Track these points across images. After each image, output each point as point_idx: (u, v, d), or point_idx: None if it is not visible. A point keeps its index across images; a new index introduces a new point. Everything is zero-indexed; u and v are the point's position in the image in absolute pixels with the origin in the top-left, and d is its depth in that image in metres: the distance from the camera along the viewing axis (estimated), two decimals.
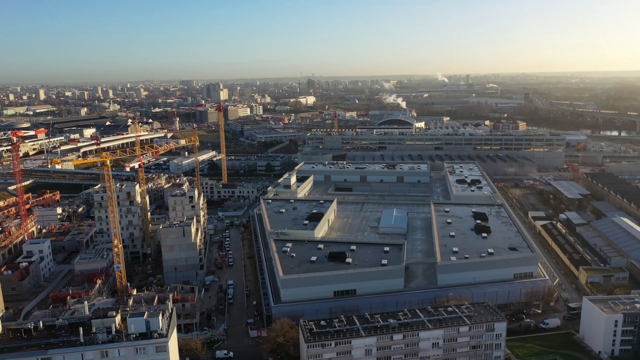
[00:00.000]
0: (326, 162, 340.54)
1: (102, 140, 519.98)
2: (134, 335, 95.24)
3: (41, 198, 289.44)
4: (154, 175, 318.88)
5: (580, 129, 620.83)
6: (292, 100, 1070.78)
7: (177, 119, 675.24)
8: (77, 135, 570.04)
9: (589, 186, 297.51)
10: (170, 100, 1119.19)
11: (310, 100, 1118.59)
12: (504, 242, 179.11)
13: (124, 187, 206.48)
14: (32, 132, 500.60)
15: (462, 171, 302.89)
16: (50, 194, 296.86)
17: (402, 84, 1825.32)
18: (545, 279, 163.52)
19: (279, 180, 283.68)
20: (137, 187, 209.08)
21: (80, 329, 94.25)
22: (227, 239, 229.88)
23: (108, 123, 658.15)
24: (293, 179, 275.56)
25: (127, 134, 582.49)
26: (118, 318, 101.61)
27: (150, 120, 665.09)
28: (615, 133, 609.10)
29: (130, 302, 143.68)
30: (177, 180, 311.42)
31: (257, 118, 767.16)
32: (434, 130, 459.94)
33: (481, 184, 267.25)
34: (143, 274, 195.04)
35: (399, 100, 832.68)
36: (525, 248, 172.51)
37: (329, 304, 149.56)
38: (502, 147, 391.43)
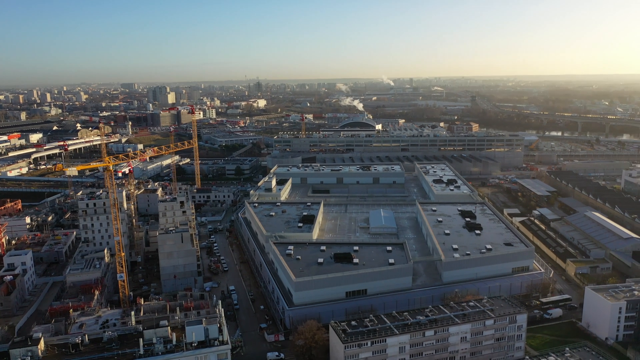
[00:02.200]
0: (300, 165, 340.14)
1: (49, 145, 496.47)
2: (194, 344, 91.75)
3: (2, 207, 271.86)
4: (123, 182, 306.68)
5: (527, 130, 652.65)
6: (243, 103, 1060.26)
7: (130, 123, 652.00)
8: (23, 141, 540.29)
9: (553, 183, 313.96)
10: (115, 104, 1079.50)
11: (261, 103, 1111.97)
12: (497, 238, 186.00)
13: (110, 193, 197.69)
14: None
15: (435, 171, 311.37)
16: (12, 203, 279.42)
17: (349, 87, 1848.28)
18: (541, 272, 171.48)
19: (259, 184, 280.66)
20: (124, 193, 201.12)
21: (141, 340, 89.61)
22: (215, 244, 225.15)
23: (55, 128, 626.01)
24: (273, 182, 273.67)
25: (77, 138, 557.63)
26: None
27: (100, 125, 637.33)
28: (558, 133, 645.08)
29: (142, 312, 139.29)
30: (149, 186, 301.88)
31: (211, 122, 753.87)
32: (399, 132, 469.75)
33: (458, 183, 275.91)
34: (135, 283, 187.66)
35: (355, 102, 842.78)
36: (519, 243, 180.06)
37: (344, 305, 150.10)
38: (464, 147, 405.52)
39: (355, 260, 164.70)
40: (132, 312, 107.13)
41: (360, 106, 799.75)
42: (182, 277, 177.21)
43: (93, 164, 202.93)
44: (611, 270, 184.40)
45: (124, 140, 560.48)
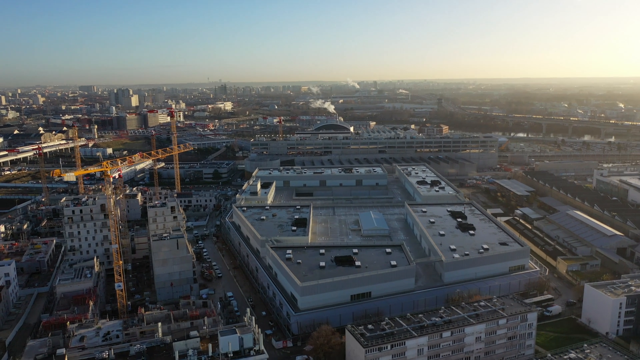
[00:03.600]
0: (281, 168, 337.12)
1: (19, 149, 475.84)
2: (230, 355, 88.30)
3: None
4: (100, 187, 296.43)
5: (493, 132, 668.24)
6: (210, 106, 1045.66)
7: (96, 126, 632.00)
8: None
9: (530, 183, 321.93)
10: (76, 107, 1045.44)
11: (228, 106, 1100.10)
12: (491, 238, 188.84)
13: (97, 199, 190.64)
14: None
15: (417, 173, 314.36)
16: None
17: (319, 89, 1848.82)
18: (537, 270, 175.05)
19: (243, 187, 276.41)
20: (111, 199, 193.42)
21: (177, 353, 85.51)
22: (205, 250, 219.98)
23: (16, 132, 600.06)
24: (259, 186, 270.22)
25: (41, 142, 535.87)
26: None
27: (65, 128, 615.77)
28: (524, 134, 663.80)
29: (145, 322, 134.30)
30: (127, 191, 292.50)
31: (179, 125, 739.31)
32: (376, 134, 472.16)
33: (442, 184, 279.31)
34: (126, 292, 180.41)
35: (326, 105, 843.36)
36: (514, 242, 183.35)
37: (351, 308, 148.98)
38: (440, 149, 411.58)
39: (358, 263, 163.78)
40: (159, 324, 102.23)
41: (331, 108, 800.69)
42: (177, 285, 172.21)
43: (92, 169, 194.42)
44: (599, 267, 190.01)
45: (91, 144, 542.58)
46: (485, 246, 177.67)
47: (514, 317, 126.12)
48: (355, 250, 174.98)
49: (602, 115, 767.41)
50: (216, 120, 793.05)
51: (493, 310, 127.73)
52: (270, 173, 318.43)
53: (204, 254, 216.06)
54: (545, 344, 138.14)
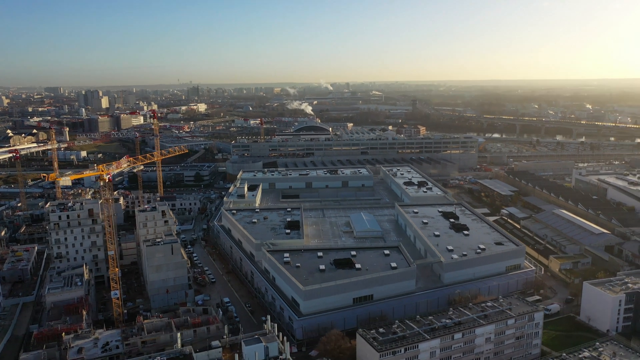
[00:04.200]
0: (265, 170, 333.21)
1: None
2: None
3: None
4: (80, 190, 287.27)
5: (468, 132, 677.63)
6: (184, 108, 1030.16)
7: (67, 128, 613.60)
8: None
9: (512, 183, 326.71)
10: (43, 109, 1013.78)
11: (202, 107, 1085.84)
12: (486, 238, 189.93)
13: (84, 204, 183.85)
14: None
15: (402, 174, 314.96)
16: None
17: (286, 91, 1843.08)
18: (533, 269, 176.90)
19: (230, 190, 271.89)
20: (98, 204, 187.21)
21: None
22: (195, 255, 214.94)
23: None
24: (246, 189, 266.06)
25: (10, 145, 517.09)
26: None
27: (34, 131, 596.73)
28: (498, 135, 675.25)
29: (145, 331, 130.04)
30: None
31: (153, 127, 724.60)
32: (358, 135, 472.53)
33: (429, 185, 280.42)
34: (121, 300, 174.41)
35: (304, 106, 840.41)
36: (509, 242, 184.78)
37: (354, 312, 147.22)
38: (422, 150, 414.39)
39: (358, 266, 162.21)
40: (179, 334, 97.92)
41: (309, 109, 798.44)
42: (172, 291, 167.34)
43: (87, 173, 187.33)
44: (590, 265, 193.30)
45: (63, 147, 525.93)
46: (481, 246, 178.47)
47: (521, 316, 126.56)
48: (353, 253, 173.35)
49: (573, 116, 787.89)
50: (191, 122, 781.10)
51: (501, 311, 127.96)
52: (255, 175, 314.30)
53: (195, 258, 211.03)
54: (548, 342, 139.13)
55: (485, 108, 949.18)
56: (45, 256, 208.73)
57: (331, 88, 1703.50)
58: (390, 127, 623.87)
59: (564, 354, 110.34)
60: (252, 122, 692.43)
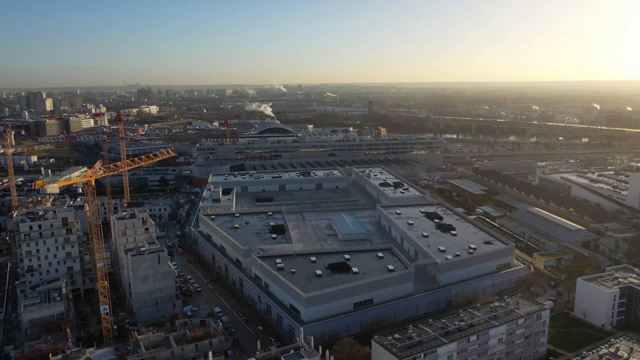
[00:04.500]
0: (236, 173, 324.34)
1: None
2: None
3: None
4: (40, 198, 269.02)
5: (425, 133, 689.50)
6: (135, 110, 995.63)
7: (13, 132, 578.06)
8: None
9: (481, 182, 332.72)
10: None
11: (154, 110, 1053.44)
12: (473, 237, 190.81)
13: (57, 212, 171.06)
14: None
15: (375, 175, 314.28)
16: None
17: (239, 93, 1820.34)
18: (522, 267, 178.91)
19: (204, 195, 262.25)
20: (73, 212, 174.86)
21: None
22: (174, 263, 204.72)
23: None
24: (220, 193, 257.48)
25: None
26: None
27: (5, 134, 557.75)
28: (454, 135, 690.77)
29: (143, 348, 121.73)
30: (72, 203, 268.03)
31: (105, 130, 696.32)
32: (325, 137, 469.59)
33: (405, 186, 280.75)
34: (98, 314, 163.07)
35: (262, 107, 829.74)
36: (497, 241, 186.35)
37: (357, 317, 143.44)
38: (388, 151, 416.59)
39: (355, 270, 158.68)
40: (181, 348, 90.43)
41: (268, 111, 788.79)
42: (160, 303, 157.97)
43: (75, 179, 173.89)
44: (572, 261, 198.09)
45: (10, 152, 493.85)
46: (472, 246, 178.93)
47: (530, 316, 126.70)
48: (347, 256, 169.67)
49: (523, 116, 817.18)
50: (145, 125, 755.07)
51: (509, 311, 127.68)
52: (226, 179, 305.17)
53: (175, 267, 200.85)
54: (550, 340, 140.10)
55: (439, 109, 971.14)
56: (8, 270, 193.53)
57: (285, 90, 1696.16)
58: (351, 129, 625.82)
59: (584, 351, 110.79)
60: (215, 123, 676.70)
